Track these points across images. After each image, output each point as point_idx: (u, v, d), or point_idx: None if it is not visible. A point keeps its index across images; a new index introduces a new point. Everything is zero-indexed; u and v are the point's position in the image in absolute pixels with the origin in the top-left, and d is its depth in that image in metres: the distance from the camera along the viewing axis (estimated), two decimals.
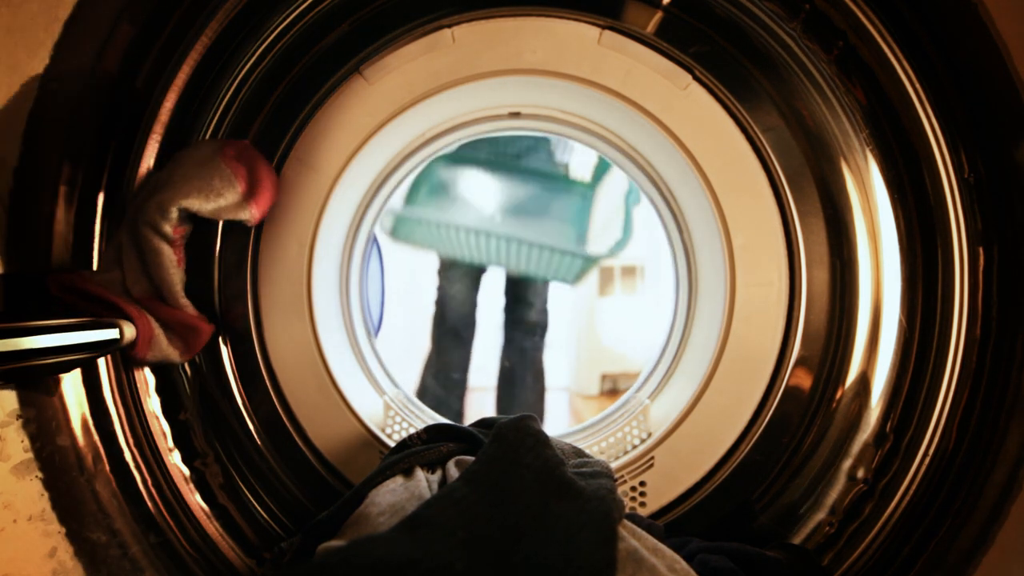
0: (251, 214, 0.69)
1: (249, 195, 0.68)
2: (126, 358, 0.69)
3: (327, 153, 0.73)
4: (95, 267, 0.69)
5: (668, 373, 0.82)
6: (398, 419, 0.80)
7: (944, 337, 0.67)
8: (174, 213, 0.65)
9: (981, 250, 0.65)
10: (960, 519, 0.62)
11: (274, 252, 0.74)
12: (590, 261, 1.95)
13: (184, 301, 0.69)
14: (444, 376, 1.94)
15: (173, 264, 0.67)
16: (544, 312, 1.96)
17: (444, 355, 1.91)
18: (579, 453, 0.66)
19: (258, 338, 0.74)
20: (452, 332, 1.90)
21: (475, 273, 1.91)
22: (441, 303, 1.89)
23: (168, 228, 0.65)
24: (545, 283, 1.94)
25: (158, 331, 0.67)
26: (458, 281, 1.88)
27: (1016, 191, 0.60)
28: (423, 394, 1.93)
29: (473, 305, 1.95)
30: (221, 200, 0.66)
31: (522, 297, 1.94)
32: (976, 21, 0.56)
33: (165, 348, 0.67)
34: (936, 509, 0.65)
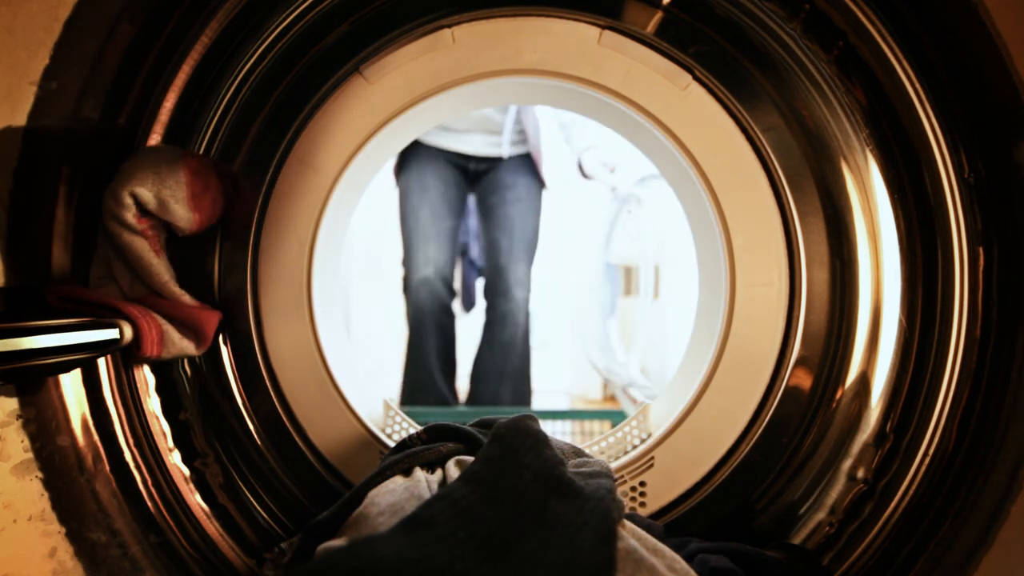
0: (190, 221, 0.68)
1: (194, 205, 0.67)
2: (140, 359, 0.68)
3: (327, 153, 0.73)
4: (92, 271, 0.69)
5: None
6: (398, 419, 0.80)
7: (944, 337, 0.67)
8: (127, 199, 0.64)
9: (981, 250, 0.65)
10: (960, 519, 0.62)
11: (274, 252, 0.74)
12: None
13: (178, 291, 0.69)
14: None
15: (152, 255, 0.67)
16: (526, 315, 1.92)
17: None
18: (578, 453, 0.66)
19: (258, 338, 0.74)
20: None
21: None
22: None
23: (130, 217, 0.64)
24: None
25: (167, 327, 0.67)
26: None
27: (1016, 191, 0.60)
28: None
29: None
30: (170, 197, 0.65)
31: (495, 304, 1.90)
32: (976, 21, 0.56)
33: (179, 342, 0.67)
34: (936, 509, 0.65)
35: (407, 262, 1.84)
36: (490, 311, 1.91)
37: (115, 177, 0.65)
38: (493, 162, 1.88)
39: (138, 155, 0.67)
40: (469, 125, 1.81)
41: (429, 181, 1.79)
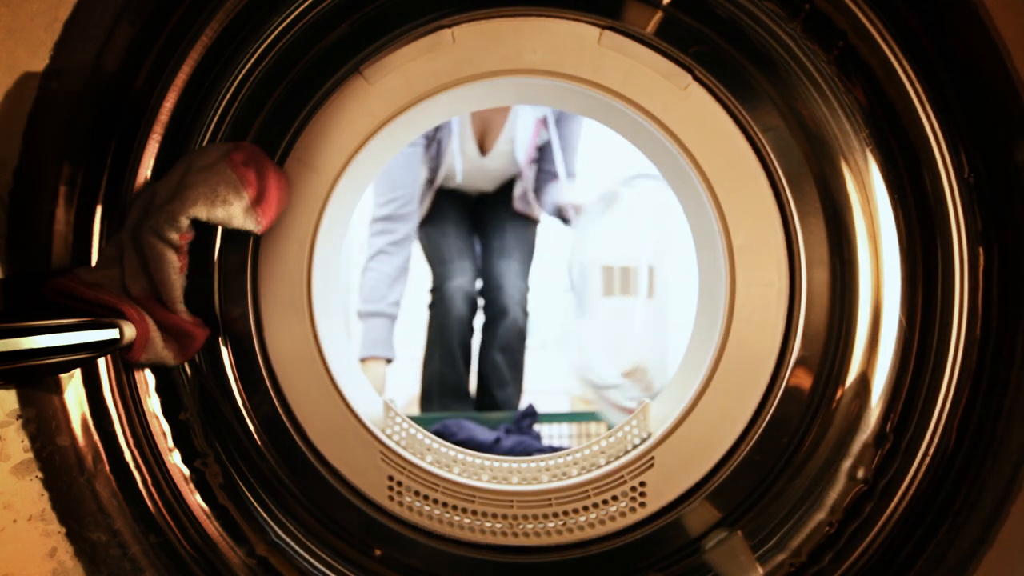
0: (258, 222, 0.69)
1: (257, 202, 0.68)
2: (124, 359, 0.69)
3: (327, 153, 0.73)
4: (94, 265, 0.69)
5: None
6: (398, 420, 0.80)
7: (944, 337, 0.67)
8: (184, 223, 0.65)
9: (981, 250, 0.65)
10: (960, 519, 0.62)
11: (274, 252, 0.74)
12: None
13: (182, 307, 0.69)
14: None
15: (176, 271, 0.67)
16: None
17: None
18: None
19: (258, 338, 0.74)
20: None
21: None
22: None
23: (176, 236, 0.65)
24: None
25: (154, 333, 0.67)
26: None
27: (1016, 191, 0.60)
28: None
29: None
30: (228, 208, 0.66)
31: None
32: (976, 21, 0.56)
33: (160, 351, 0.67)
34: (936, 509, 0.65)
35: (440, 274, 1.94)
36: (488, 308, 1.95)
37: (174, 198, 0.65)
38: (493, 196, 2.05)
39: (191, 173, 0.66)
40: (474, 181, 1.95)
41: (447, 213, 1.97)
